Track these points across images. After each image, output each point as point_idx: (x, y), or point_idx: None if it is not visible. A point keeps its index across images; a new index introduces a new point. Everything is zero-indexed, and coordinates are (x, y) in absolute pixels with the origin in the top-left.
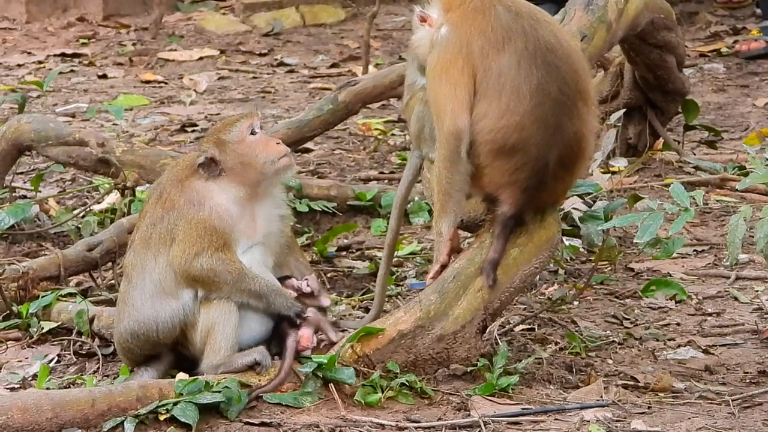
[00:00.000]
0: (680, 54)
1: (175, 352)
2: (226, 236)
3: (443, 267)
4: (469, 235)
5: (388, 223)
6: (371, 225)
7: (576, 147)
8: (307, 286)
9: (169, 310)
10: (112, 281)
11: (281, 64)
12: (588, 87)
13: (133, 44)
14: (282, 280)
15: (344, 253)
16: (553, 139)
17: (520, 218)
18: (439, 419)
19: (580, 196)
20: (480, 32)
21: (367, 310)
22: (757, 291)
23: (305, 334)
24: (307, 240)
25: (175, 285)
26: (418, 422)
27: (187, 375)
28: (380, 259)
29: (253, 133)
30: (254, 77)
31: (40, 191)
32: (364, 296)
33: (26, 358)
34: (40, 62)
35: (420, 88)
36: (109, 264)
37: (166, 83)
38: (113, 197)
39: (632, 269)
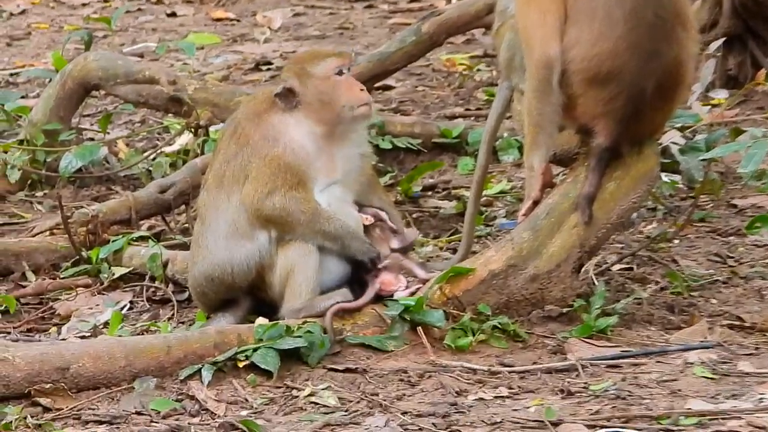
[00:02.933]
0: None
1: (253, 296)
2: (300, 174)
3: (535, 203)
4: (561, 169)
5: (475, 161)
6: (458, 163)
7: (674, 73)
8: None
9: (244, 252)
10: (186, 224)
11: None
12: (686, 10)
13: None
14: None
15: (430, 192)
16: (650, 65)
17: (617, 150)
18: (534, 363)
19: (679, 129)
20: None
21: (454, 251)
22: None
23: (385, 278)
24: (390, 179)
25: (249, 226)
26: (512, 366)
27: (267, 320)
28: (468, 198)
29: (339, 73)
30: (331, 13)
31: (108, 133)
32: (452, 237)
33: (97, 305)
34: (105, 0)
35: (511, 15)
36: (183, 206)
37: (238, 21)
38: (185, 138)
39: (735, 205)
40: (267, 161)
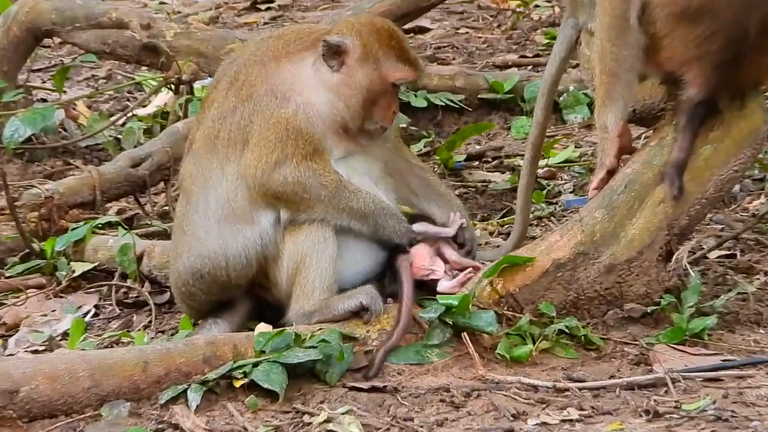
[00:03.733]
0: None
1: (253, 297)
2: (315, 142)
3: (610, 173)
4: (643, 130)
5: (532, 120)
6: (511, 125)
7: None
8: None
9: (242, 240)
10: (166, 206)
11: None
12: None
13: None
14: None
15: (476, 162)
16: None
17: (713, 105)
18: (611, 377)
19: None
20: None
21: (508, 236)
22: None
23: (417, 261)
24: (425, 146)
25: (250, 205)
26: (583, 381)
27: (271, 327)
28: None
29: (395, 85)
30: None
31: (65, 92)
32: (505, 218)
33: (53, 311)
34: None
35: None
36: (161, 184)
37: None
38: (163, 97)
39: None
40: (272, 123)
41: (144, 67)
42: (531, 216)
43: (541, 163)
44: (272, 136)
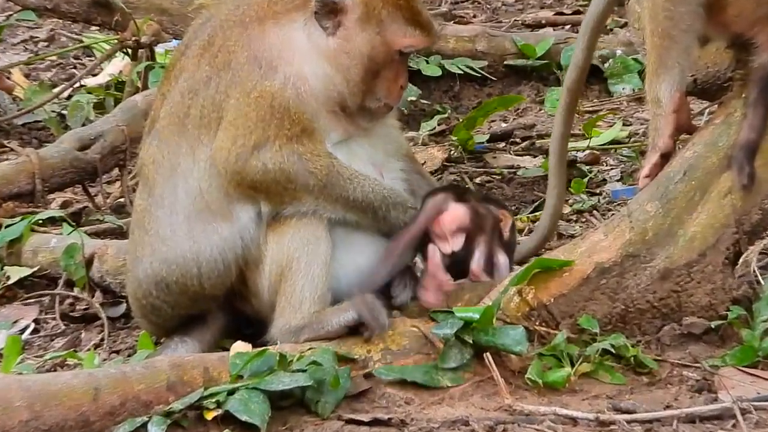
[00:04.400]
0: None
1: (230, 309)
2: (305, 122)
3: (665, 157)
4: (706, 104)
5: None
6: (545, 98)
7: None
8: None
9: (217, 241)
10: (121, 198)
11: None
12: None
13: None
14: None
15: (502, 144)
16: None
17: None
18: (667, 407)
19: None
20: None
21: None
22: None
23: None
24: (439, 124)
25: (225, 197)
26: (633, 413)
27: (250, 345)
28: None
29: (403, 53)
30: None
31: None
32: (537, 213)
33: None
34: None
35: None
36: (116, 170)
37: None
38: (118, 63)
39: None
40: (253, 98)
41: (94, 27)
42: (568, 208)
43: (582, 144)
44: (252, 114)
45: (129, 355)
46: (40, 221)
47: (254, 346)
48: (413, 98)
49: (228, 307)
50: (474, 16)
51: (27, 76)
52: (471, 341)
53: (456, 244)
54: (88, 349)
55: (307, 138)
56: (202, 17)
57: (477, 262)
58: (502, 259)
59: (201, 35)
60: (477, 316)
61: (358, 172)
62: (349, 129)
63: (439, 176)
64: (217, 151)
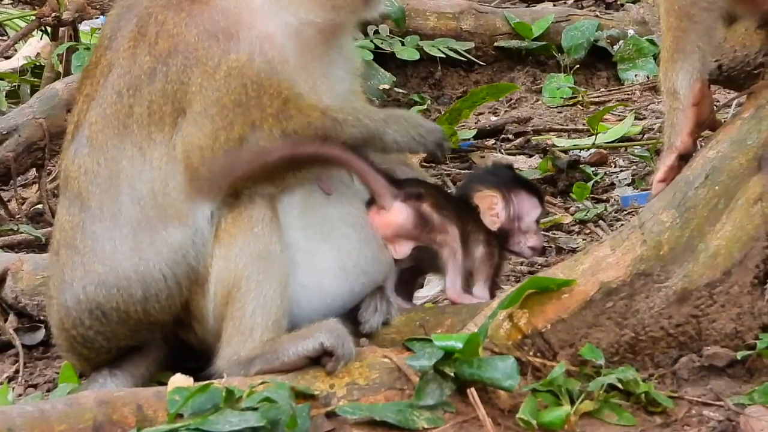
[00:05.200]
0: None
1: (169, 338)
2: (285, 91)
3: (683, 158)
4: (733, 94)
5: (575, 79)
6: (543, 86)
7: None
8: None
9: (166, 254)
10: (39, 204)
11: None
12: None
13: None
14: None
15: (491, 141)
16: None
17: None
18: None
19: None
20: None
21: (543, 252)
22: None
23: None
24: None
25: (186, 196)
26: None
27: (192, 379)
28: (560, 149)
29: None
30: None
31: None
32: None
33: None
34: None
35: None
36: (33, 171)
37: None
38: (36, 44)
39: None
40: (220, 79)
41: (7, 1)
42: (570, 217)
43: (587, 141)
44: (226, 99)
45: (48, 390)
46: None
47: (197, 379)
48: (386, 86)
49: (167, 336)
50: None
51: None
52: (452, 374)
53: (400, 252)
54: (1, 383)
55: (295, 108)
56: (117, 7)
57: (451, 285)
58: (479, 285)
59: (126, 26)
60: (460, 344)
61: (350, 107)
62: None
63: None
64: (194, 150)
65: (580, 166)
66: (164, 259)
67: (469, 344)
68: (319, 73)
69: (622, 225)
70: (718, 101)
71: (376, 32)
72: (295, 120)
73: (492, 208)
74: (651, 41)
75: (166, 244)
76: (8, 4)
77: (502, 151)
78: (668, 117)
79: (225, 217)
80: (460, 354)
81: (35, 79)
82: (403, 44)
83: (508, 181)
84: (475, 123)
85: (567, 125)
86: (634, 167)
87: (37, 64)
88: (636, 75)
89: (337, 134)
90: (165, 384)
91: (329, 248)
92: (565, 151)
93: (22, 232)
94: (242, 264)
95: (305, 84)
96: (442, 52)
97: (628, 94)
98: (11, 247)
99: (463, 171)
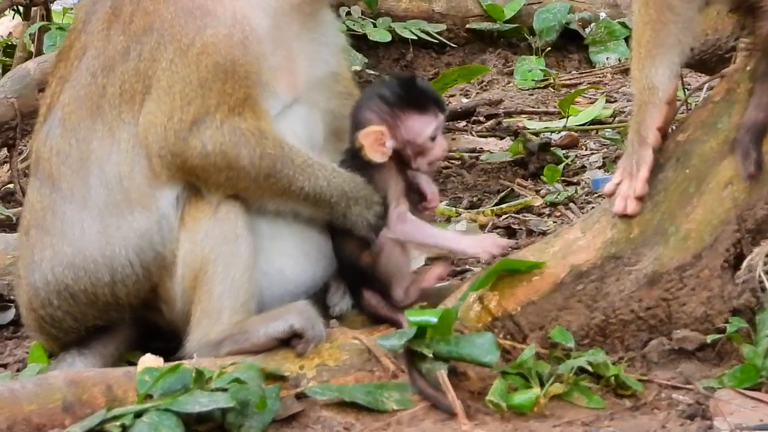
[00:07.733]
0: None
1: (138, 319)
2: (249, 81)
3: (656, 147)
4: (704, 78)
5: (546, 62)
6: (515, 68)
7: None
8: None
9: (133, 240)
10: (11, 184)
11: None
12: None
13: None
14: None
15: (462, 123)
16: None
17: None
18: None
19: None
20: None
21: (508, 229)
22: None
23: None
24: None
25: (150, 181)
26: None
27: (161, 360)
28: (531, 131)
29: None
30: None
31: None
32: (504, 205)
33: None
34: None
35: None
36: (4, 152)
37: None
38: (7, 23)
39: None
40: (193, 55)
41: None
42: (540, 200)
43: (558, 124)
44: (193, 76)
45: (18, 370)
46: None
47: (167, 360)
48: (357, 68)
49: (137, 316)
50: None
51: None
52: (430, 354)
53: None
54: None
55: (250, 111)
56: None
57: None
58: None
59: (100, 8)
60: (434, 319)
61: (313, 160)
62: (291, 86)
63: None
64: (150, 128)
65: (551, 148)
66: (131, 245)
67: (443, 320)
68: (298, 52)
69: (592, 208)
70: (689, 85)
71: (348, 13)
72: (249, 123)
73: (380, 141)
74: (623, 24)
75: (132, 229)
76: None
77: (473, 133)
78: (639, 112)
79: (189, 201)
80: (434, 330)
81: (7, 59)
82: (375, 26)
83: (394, 103)
84: (447, 104)
85: (538, 108)
86: (605, 150)
87: (9, 43)
88: (607, 58)
89: (285, 173)
90: (135, 364)
91: (291, 233)
92: (537, 134)
93: None
94: (208, 248)
95: (278, 67)
96: (414, 33)
97: (600, 77)
98: None
99: None
